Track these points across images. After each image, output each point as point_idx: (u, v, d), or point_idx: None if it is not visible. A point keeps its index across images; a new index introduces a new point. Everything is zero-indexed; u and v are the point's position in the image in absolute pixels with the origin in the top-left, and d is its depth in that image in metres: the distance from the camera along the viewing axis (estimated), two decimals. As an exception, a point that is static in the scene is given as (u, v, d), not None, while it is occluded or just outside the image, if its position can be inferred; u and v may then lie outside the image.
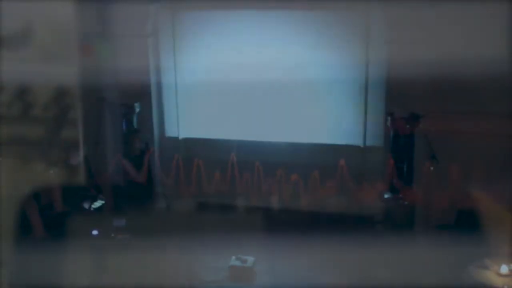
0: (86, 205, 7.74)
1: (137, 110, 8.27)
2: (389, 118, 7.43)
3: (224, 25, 8.28)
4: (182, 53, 8.63)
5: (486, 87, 7.38)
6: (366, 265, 7.01)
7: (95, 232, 7.08)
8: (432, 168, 7.07)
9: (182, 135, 8.86)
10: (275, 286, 6.88)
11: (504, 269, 6.08)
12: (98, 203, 7.82)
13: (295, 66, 8.15)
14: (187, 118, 8.83)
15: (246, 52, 8.24)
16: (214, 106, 8.62)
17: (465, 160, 7.11)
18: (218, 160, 8.14)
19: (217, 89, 8.53)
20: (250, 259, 7.06)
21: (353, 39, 7.85)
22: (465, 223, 7.15)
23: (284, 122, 8.40)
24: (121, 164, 8.00)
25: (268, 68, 8.19)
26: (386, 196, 7.38)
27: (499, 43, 6.91)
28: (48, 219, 7.35)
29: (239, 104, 8.51)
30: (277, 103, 8.39)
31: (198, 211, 8.12)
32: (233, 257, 7.07)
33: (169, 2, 8.34)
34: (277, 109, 8.40)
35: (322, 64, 8.07)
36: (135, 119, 8.27)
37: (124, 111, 8.18)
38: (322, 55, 8.02)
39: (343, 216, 8.09)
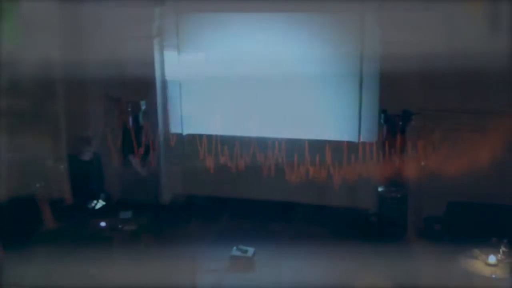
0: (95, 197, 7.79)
1: (143, 107, 8.31)
2: (382, 115, 7.44)
3: (225, 26, 8.34)
4: (186, 52, 8.68)
5: (481, 84, 7.42)
6: (360, 257, 7.09)
7: (103, 224, 7.13)
8: (423, 163, 7.10)
9: (186, 131, 8.92)
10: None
11: (492, 259, 6.12)
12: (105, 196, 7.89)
13: (292, 65, 8.21)
14: (190, 115, 8.90)
15: (245, 51, 8.32)
16: (215, 103, 8.72)
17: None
18: (220, 155, 8.22)
19: (219, 87, 8.63)
20: (250, 250, 7.13)
21: (347, 38, 7.87)
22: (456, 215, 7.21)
23: (283, 119, 8.48)
24: (128, 160, 8.06)
25: (266, 66, 8.27)
26: (380, 189, 7.40)
27: (493, 41, 6.89)
28: (58, 211, 7.45)
29: (239, 101, 8.60)
30: (275, 100, 8.46)
31: (201, 204, 8.18)
32: (234, 248, 7.13)
33: (174, 5, 8.38)
34: (276, 106, 8.47)
35: (318, 63, 8.13)
36: (140, 116, 8.31)
37: (130, 108, 8.22)
38: (318, 54, 8.06)
39: (338, 209, 8.19)
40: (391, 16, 7.23)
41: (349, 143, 7.96)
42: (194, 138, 8.68)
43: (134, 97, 8.30)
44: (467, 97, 7.46)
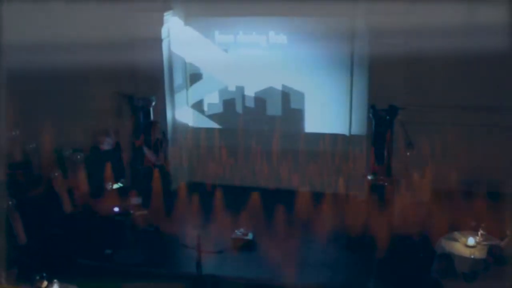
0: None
1: (153, 103, 8.34)
2: (371, 110, 7.48)
3: (227, 27, 8.40)
4: (190, 52, 8.74)
5: (464, 81, 7.46)
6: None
7: (116, 209, 7.18)
8: (408, 154, 7.13)
9: (192, 125, 8.99)
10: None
11: (471, 241, 6.19)
12: (119, 184, 7.89)
13: (290, 63, 8.28)
14: (195, 111, 8.98)
15: (244, 51, 8.41)
16: (216, 100, 8.81)
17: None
18: (220, 147, 8.29)
19: (220, 84, 8.70)
20: (250, 233, 7.20)
21: (339, 38, 7.92)
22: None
23: (280, 115, 8.56)
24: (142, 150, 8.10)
25: (265, 65, 8.34)
26: (369, 178, 7.44)
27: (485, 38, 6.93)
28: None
29: (240, 101, 8.68)
30: (274, 97, 8.54)
31: (207, 192, 8.21)
32: (236, 231, 7.21)
33: (181, 9, 8.43)
34: (275, 103, 8.55)
35: (313, 62, 8.19)
36: (151, 111, 8.34)
37: (141, 103, 8.25)
38: (313, 54, 8.11)
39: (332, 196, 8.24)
40: (380, 18, 7.24)
41: (340, 136, 8.06)
42: (199, 131, 8.79)
43: (145, 94, 8.35)
44: (452, 93, 7.52)
